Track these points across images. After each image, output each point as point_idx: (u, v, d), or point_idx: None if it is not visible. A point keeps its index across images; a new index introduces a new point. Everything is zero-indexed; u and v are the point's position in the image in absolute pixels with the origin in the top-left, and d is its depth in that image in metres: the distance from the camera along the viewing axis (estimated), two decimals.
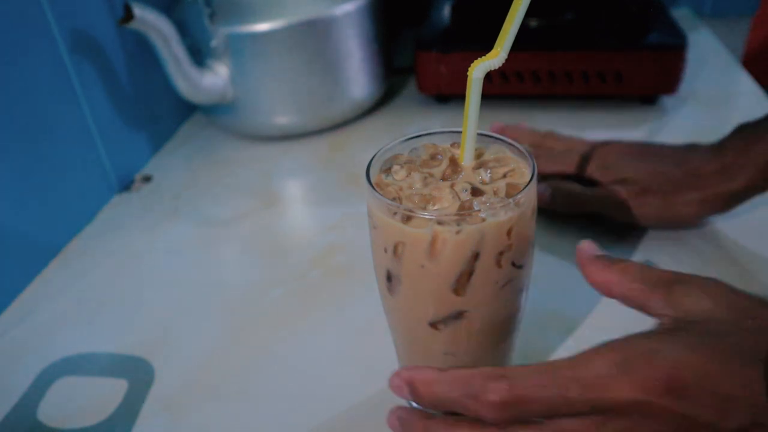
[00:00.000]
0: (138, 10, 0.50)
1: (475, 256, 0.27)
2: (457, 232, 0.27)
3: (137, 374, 0.39)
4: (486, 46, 0.67)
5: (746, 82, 0.68)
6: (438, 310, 0.29)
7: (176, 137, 0.68)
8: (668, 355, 0.23)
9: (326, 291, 0.45)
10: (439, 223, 0.27)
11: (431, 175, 0.30)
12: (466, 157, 0.30)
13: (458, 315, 0.29)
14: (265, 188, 0.58)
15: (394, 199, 0.29)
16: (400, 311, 0.31)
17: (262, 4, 0.57)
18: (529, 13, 0.72)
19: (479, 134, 0.30)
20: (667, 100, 0.65)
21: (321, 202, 0.55)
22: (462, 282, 0.28)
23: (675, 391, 0.23)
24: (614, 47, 0.60)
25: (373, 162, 0.31)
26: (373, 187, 0.29)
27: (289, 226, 0.54)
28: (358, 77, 0.63)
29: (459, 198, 0.28)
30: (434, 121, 0.66)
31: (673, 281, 0.28)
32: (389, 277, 0.30)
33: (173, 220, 0.54)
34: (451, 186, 0.29)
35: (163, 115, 0.67)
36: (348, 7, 0.59)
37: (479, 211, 0.27)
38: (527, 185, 0.28)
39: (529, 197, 0.28)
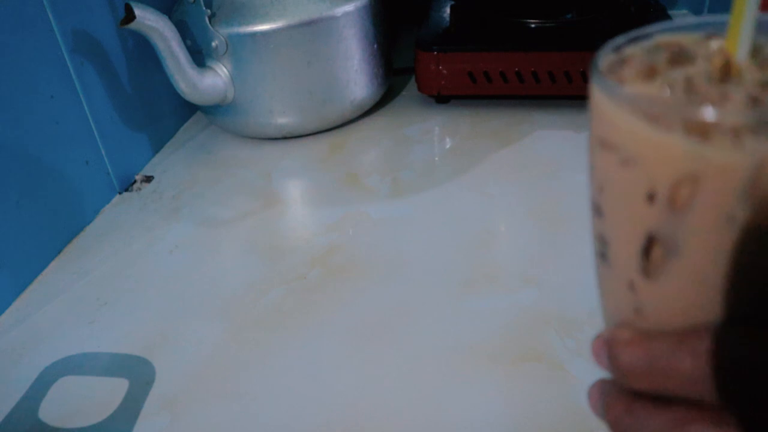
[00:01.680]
0: (139, 11, 0.50)
1: None
2: None
3: (138, 374, 0.39)
4: (485, 46, 0.67)
5: None
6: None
7: (177, 137, 0.68)
8: None
9: (326, 291, 0.45)
10: None
11: (690, 81, 0.17)
12: (741, 50, 0.17)
13: None
14: (265, 188, 0.58)
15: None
16: (663, 306, 0.18)
17: (262, 5, 0.58)
18: (529, 13, 0.72)
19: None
20: None
21: (321, 202, 0.56)
22: None
23: None
24: None
25: (599, 59, 0.19)
26: (604, 80, 0.17)
27: (289, 226, 0.54)
28: (358, 77, 0.63)
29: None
30: (434, 121, 0.66)
31: None
32: (649, 246, 0.17)
33: (174, 220, 0.54)
34: (748, 92, 0.16)
35: (164, 115, 0.67)
36: (348, 7, 0.59)
37: None
38: None
39: None
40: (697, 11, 0.86)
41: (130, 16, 0.50)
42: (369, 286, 0.45)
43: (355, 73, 0.62)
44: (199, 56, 0.59)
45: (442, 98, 0.69)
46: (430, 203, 0.53)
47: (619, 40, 0.19)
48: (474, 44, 0.64)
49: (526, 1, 0.66)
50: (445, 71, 0.64)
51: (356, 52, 0.62)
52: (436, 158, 0.60)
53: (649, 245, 0.17)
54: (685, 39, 0.19)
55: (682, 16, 0.85)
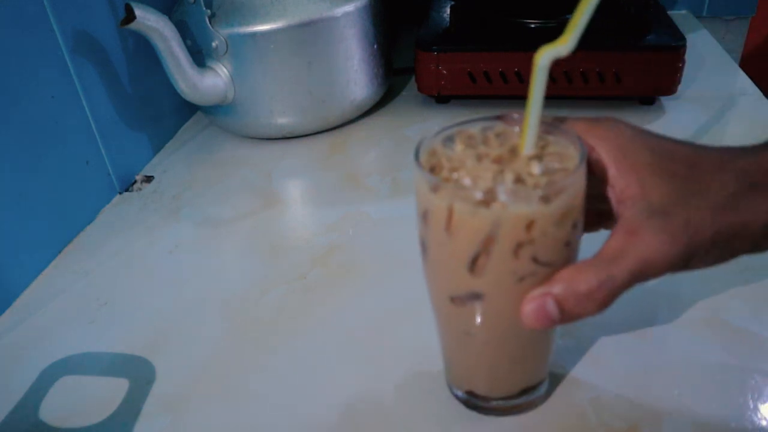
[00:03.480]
0: (139, 11, 0.50)
1: (490, 240, 0.27)
2: (473, 213, 0.26)
3: (138, 373, 0.39)
4: (485, 46, 0.67)
5: (745, 83, 0.68)
6: (456, 286, 0.29)
7: (177, 137, 0.68)
8: None
9: (326, 291, 0.45)
10: (458, 199, 0.27)
11: (487, 155, 0.29)
12: (527, 146, 0.28)
13: (475, 296, 0.29)
14: (265, 188, 0.58)
15: (433, 168, 0.29)
16: (428, 280, 0.32)
17: (262, 5, 0.58)
18: (529, 13, 0.72)
19: (549, 123, 0.29)
20: (666, 101, 0.65)
21: (321, 202, 0.56)
22: (479, 264, 0.27)
23: None
24: (613, 48, 0.60)
25: (438, 132, 0.30)
26: (417, 156, 0.29)
27: (289, 226, 0.54)
28: (358, 77, 0.63)
29: (498, 182, 0.27)
30: (434, 121, 0.66)
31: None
32: (422, 244, 0.30)
33: (174, 220, 0.54)
34: (499, 171, 0.27)
35: (164, 115, 0.67)
36: (348, 8, 0.59)
37: (500, 195, 0.26)
38: (560, 183, 0.26)
39: (566, 199, 0.27)
40: (696, 11, 0.86)
41: (130, 17, 0.50)
42: (369, 286, 0.45)
43: (355, 73, 0.62)
44: (199, 56, 0.59)
45: (442, 98, 0.69)
46: None
47: (432, 133, 0.30)
48: (474, 44, 0.64)
49: (526, 1, 0.66)
50: (445, 71, 0.64)
51: (356, 52, 0.62)
52: None
53: (422, 243, 0.30)
54: (474, 129, 0.31)
55: (681, 17, 0.85)
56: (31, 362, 0.41)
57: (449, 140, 0.30)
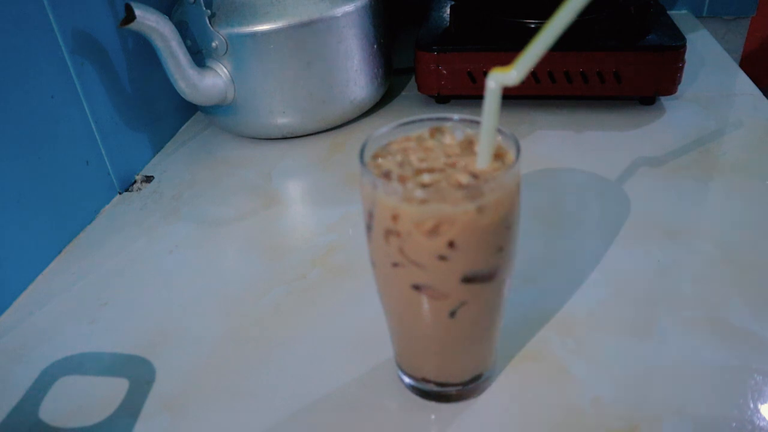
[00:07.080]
0: (139, 12, 0.50)
1: (370, 215, 0.31)
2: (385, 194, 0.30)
3: (138, 373, 0.39)
4: (485, 46, 0.67)
5: (745, 83, 0.68)
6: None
7: (177, 137, 0.68)
8: None
9: (326, 291, 0.45)
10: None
11: (449, 155, 0.33)
12: (480, 161, 0.30)
13: (395, 264, 0.31)
14: (265, 188, 0.58)
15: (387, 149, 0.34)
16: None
17: (262, 5, 0.58)
18: (529, 14, 0.72)
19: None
20: (666, 101, 0.65)
21: (321, 202, 0.56)
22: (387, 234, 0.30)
23: None
24: (613, 48, 0.60)
25: (365, 147, 0.33)
26: (362, 161, 0.32)
27: (289, 226, 0.54)
28: (358, 77, 0.63)
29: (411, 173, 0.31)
30: None
31: None
32: (370, 221, 0.32)
33: (174, 220, 0.54)
34: (427, 168, 0.31)
35: (164, 115, 0.67)
36: (348, 7, 0.59)
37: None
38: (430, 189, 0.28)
39: (433, 207, 0.28)
40: (696, 11, 0.86)
41: (130, 17, 0.50)
42: (369, 286, 0.45)
43: (355, 73, 0.62)
44: (199, 56, 0.59)
45: (442, 98, 0.69)
46: None
47: (383, 130, 0.35)
48: (474, 44, 0.64)
49: (527, 1, 0.66)
50: (445, 71, 0.64)
51: (356, 52, 0.62)
52: None
53: (370, 220, 0.31)
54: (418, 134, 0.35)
55: (681, 17, 0.85)
56: (31, 362, 0.41)
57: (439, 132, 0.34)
